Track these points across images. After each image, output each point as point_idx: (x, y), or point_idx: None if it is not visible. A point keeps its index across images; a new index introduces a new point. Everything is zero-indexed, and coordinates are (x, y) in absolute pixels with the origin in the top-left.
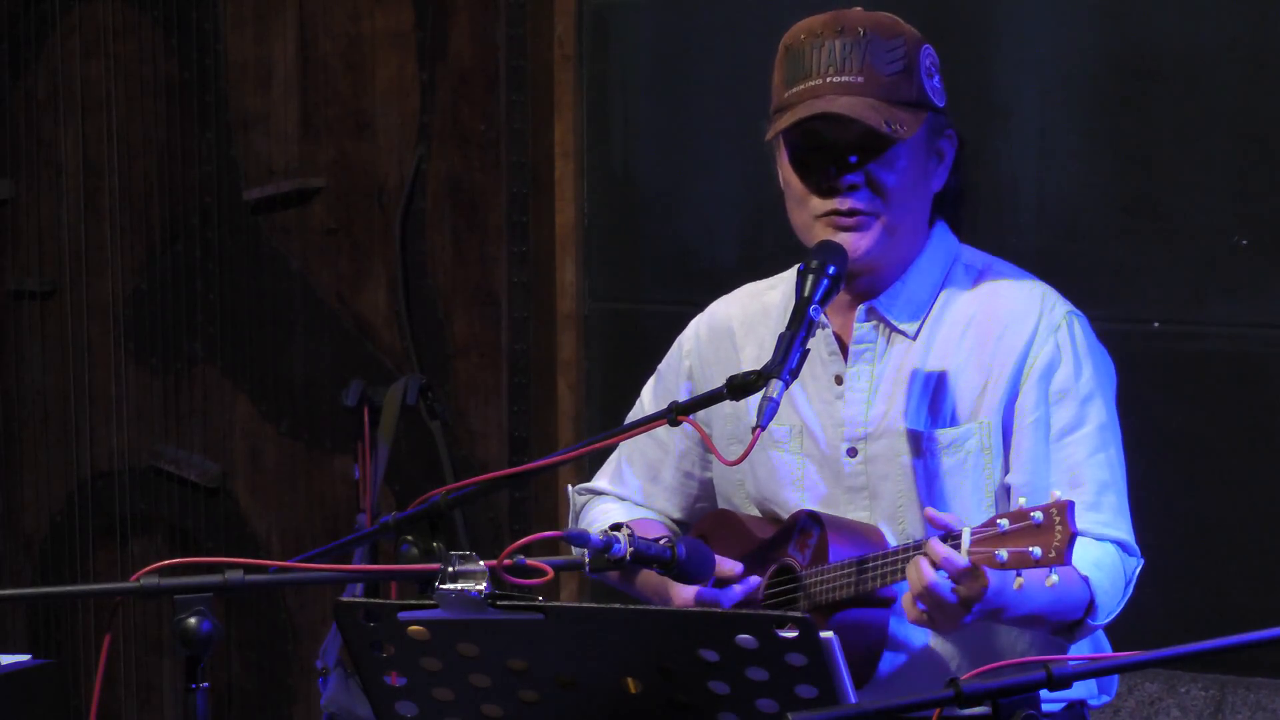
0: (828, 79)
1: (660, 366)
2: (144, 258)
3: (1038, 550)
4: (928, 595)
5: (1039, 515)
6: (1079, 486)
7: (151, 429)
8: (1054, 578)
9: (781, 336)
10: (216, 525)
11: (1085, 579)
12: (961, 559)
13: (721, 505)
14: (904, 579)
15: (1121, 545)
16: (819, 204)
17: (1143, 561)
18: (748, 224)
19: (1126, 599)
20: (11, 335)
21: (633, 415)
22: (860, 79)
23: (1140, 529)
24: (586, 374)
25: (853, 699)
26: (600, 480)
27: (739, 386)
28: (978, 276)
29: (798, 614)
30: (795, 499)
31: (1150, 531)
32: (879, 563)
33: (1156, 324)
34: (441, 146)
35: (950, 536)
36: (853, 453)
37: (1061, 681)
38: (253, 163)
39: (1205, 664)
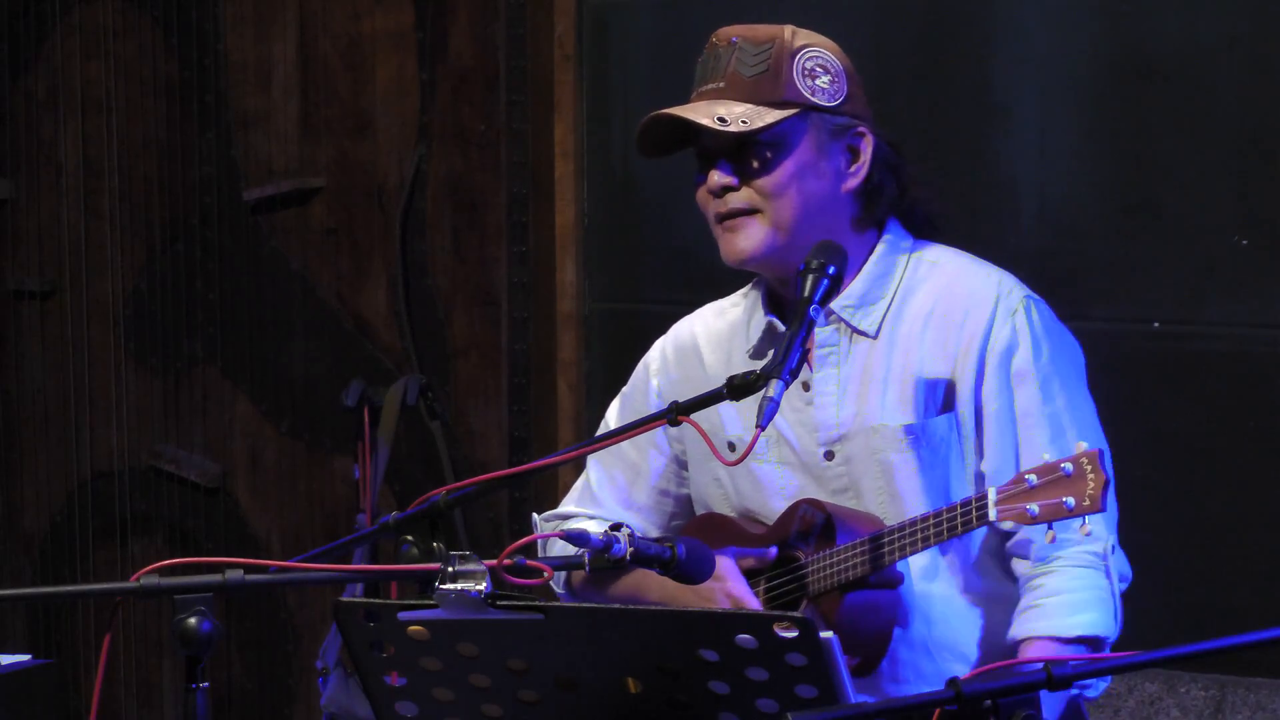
0: (698, 90)
1: (624, 389)
2: (144, 258)
3: (1070, 500)
4: None
5: (1069, 466)
6: None
7: (151, 429)
8: (1087, 527)
9: (781, 336)
10: (216, 525)
11: (1103, 638)
12: None
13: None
14: (913, 553)
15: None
16: (709, 212)
17: (1122, 552)
18: None
19: (1120, 609)
20: (11, 335)
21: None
22: (722, 84)
23: (1140, 529)
24: (586, 374)
25: (853, 699)
26: (568, 504)
27: (739, 386)
28: (935, 270)
29: (797, 614)
30: (782, 507)
31: (1150, 531)
32: (894, 537)
33: (1156, 324)
34: (441, 146)
35: (977, 498)
36: (830, 455)
37: (1062, 681)
38: (253, 163)
39: (1205, 664)
